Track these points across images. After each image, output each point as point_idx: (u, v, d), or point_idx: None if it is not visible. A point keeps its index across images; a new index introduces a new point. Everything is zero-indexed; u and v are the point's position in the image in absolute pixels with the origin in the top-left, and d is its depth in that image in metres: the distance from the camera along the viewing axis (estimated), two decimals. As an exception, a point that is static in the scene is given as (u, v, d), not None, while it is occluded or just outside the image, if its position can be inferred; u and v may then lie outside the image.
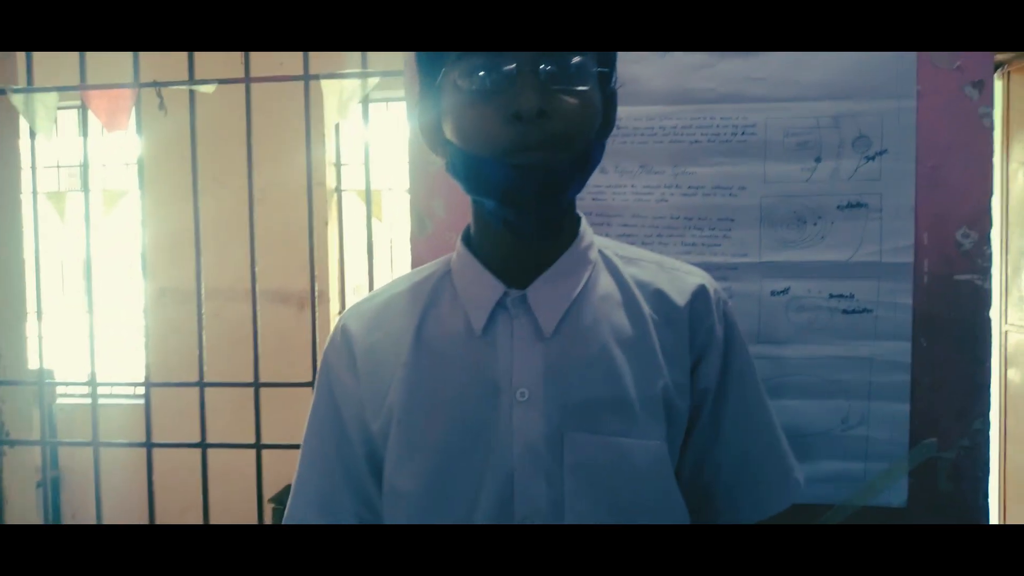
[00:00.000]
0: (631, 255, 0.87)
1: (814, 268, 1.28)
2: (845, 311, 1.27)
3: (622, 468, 0.76)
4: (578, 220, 0.84)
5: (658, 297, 0.82)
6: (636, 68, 1.30)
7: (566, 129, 0.71)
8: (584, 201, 1.33)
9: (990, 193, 1.22)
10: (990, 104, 1.21)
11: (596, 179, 1.33)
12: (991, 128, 1.21)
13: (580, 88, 0.72)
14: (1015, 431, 2.61)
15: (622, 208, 1.32)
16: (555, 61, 0.71)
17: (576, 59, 0.72)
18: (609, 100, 0.80)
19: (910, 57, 1.24)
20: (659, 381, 0.79)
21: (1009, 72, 2.54)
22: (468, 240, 0.84)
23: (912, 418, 1.25)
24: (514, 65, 0.70)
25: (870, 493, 1.26)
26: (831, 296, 1.28)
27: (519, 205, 0.73)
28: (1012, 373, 2.61)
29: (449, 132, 0.75)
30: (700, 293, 0.83)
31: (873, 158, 1.26)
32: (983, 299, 1.23)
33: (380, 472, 0.81)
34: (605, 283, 0.82)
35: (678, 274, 0.85)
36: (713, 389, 0.83)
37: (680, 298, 0.82)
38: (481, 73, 0.70)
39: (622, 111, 1.32)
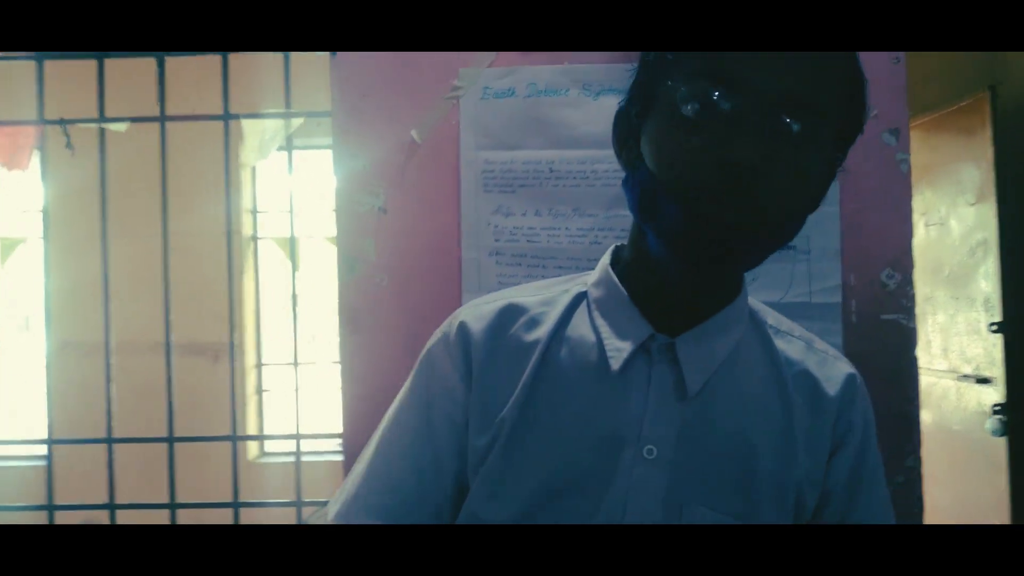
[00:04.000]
0: (780, 324, 0.78)
1: (746, 309, 1.28)
2: (778, 352, 1.28)
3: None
4: (741, 276, 0.74)
5: (806, 381, 0.74)
6: (568, 112, 1.31)
7: (770, 196, 0.60)
8: (519, 243, 1.31)
9: (910, 235, 1.26)
10: (907, 151, 1.26)
11: (531, 222, 1.31)
12: (908, 173, 1.26)
13: (806, 157, 0.61)
14: (930, 471, 2.69)
15: (557, 251, 1.31)
16: (790, 116, 0.59)
17: (816, 125, 0.61)
18: (832, 178, 0.70)
19: (831, 104, 1.28)
20: (795, 471, 0.71)
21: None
22: (617, 265, 0.74)
23: (846, 457, 1.26)
24: (741, 105, 0.59)
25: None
26: (764, 337, 1.28)
27: (686, 256, 0.63)
28: (924, 415, 2.71)
29: (645, 147, 0.66)
30: (849, 384, 0.75)
31: (799, 201, 1.28)
32: (909, 338, 1.26)
33: (462, 497, 0.73)
34: (753, 351, 0.74)
35: (827, 358, 0.76)
36: (843, 483, 0.75)
37: (830, 387, 0.74)
38: (701, 100, 0.60)
39: (556, 155, 1.33)
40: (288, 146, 1.57)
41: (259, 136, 1.52)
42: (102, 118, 1.55)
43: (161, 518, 1.52)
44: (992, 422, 2.32)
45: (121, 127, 1.55)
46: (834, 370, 0.75)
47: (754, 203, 0.59)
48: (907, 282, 1.26)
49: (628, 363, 0.70)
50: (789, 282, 1.28)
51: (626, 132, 0.71)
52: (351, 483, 0.76)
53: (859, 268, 1.27)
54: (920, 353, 1.26)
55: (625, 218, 1.30)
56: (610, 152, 1.29)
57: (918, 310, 1.27)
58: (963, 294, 2.46)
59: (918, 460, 1.25)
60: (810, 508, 0.73)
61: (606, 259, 0.76)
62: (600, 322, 0.72)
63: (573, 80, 1.31)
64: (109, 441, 1.57)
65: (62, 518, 1.60)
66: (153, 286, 1.61)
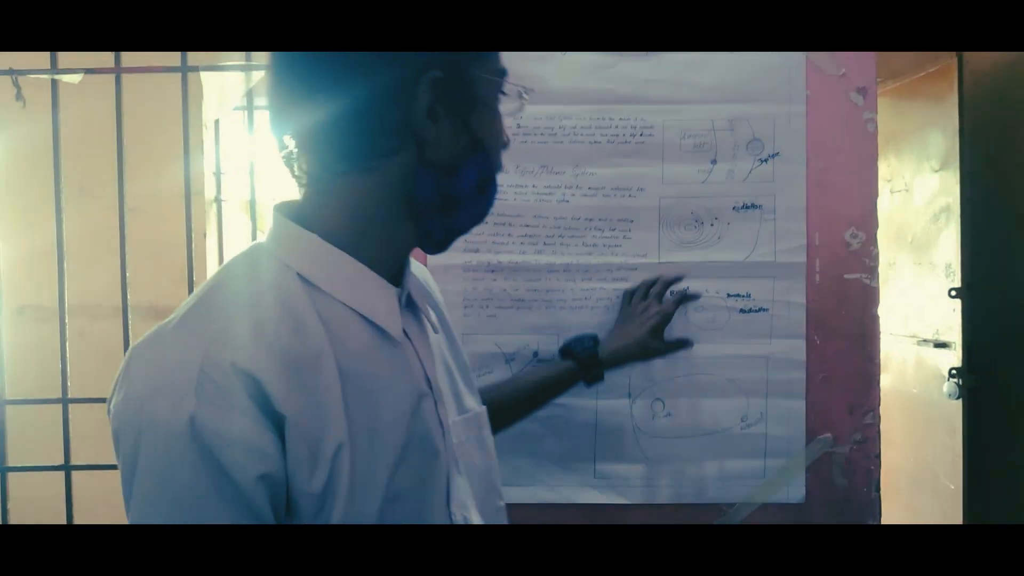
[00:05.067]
0: None
1: (712, 268, 1.29)
2: (742, 310, 1.29)
3: (472, 436, 0.81)
4: None
5: (427, 280, 0.90)
6: (537, 67, 1.28)
7: None
8: (484, 200, 1.30)
9: (875, 195, 1.26)
10: (874, 110, 1.26)
11: (499, 178, 1.29)
12: (875, 133, 1.26)
13: None
14: (887, 434, 2.75)
15: (523, 208, 1.30)
16: None
17: None
18: None
19: (799, 62, 1.28)
20: (460, 349, 0.88)
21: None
22: (332, 239, 0.68)
23: (807, 414, 1.27)
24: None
25: (770, 490, 1.27)
26: (729, 296, 1.29)
27: (476, 221, 0.75)
28: (885, 378, 2.76)
29: (478, 133, 0.71)
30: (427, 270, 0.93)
31: (766, 160, 1.28)
32: (871, 297, 1.27)
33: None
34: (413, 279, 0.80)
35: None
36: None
37: (424, 274, 0.90)
38: (499, 91, 0.73)
39: (524, 110, 1.31)
40: (249, 104, 1.53)
41: (218, 90, 1.47)
42: (54, 69, 1.50)
43: (115, 478, 1.50)
44: (949, 386, 2.37)
45: (75, 79, 1.49)
46: (419, 267, 0.88)
47: None
48: (871, 242, 1.27)
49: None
50: (755, 241, 1.29)
51: (439, 102, 0.67)
52: None
53: (824, 227, 1.27)
54: (882, 318, 1.28)
55: (592, 176, 1.29)
56: (577, 108, 1.29)
57: (881, 276, 1.28)
58: (925, 260, 2.49)
59: (876, 418, 1.27)
60: None
61: (298, 235, 0.68)
62: (350, 299, 0.67)
63: (541, 34, 1.29)
64: (64, 401, 1.53)
65: (15, 479, 1.57)
66: (110, 249, 1.56)
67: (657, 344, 1.23)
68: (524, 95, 0.74)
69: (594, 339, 1.23)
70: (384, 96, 0.65)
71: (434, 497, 0.70)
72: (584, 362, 1.18)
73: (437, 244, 0.74)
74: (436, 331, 0.79)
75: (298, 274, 0.66)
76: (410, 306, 0.76)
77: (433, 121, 0.67)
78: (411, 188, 0.68)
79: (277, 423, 0.59)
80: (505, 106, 0.73)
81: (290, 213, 0.69)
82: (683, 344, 1.27)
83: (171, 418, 0.56)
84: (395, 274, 0.73)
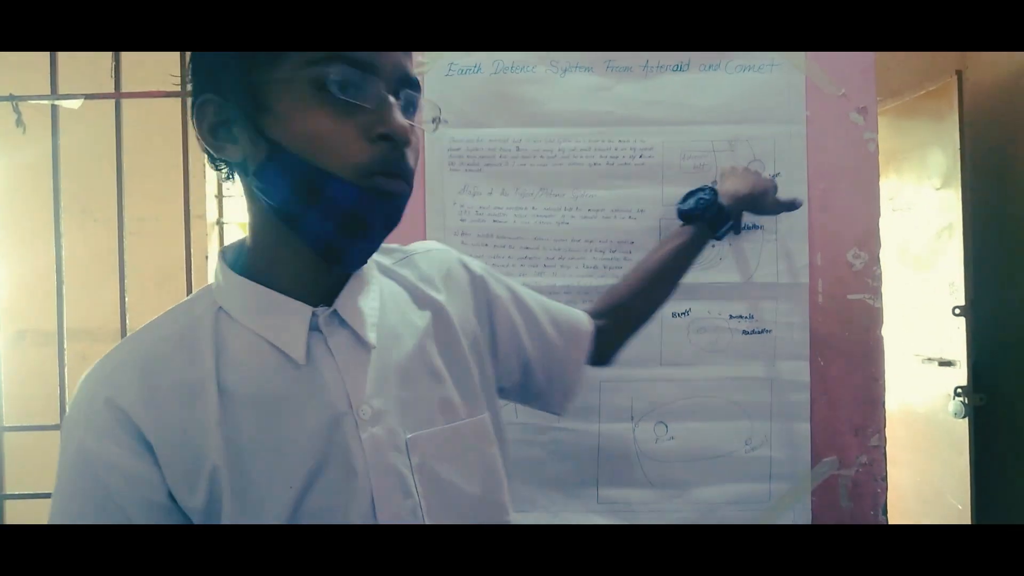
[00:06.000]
0: (388, 260, 0.84)
1: (714, 289, 1.28)
2: (745, 332, 1.28)
3: (456, 451, 0.76)
4: None
5: (426, 284, 0.82)
6: (534, 89, 1.28)
7: (414, 163, 0.69)
8: (485, 223, 1.29)
9: (878, 214, 1.26)
10: (874, 130, 1.26)
11: (498, 201, 1.29)
12: (876, 152, 1.26)
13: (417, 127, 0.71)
14: (893, 453, 2.73)
15: (523, 230, 1.29)
16: (414, 89, 0.70)
17: (417, 97, 0.71)
18: None
19: (798, 83, 1.28)
20: (465, 354, 0.80)
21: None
22: (238, 267, 0.73)
23: (812, 437, 1.26)
24: (382, 86, 0.66)
25: (775, 513, 1.26)
26: (731, 317, 1.28)
27: (362, 232, 0.67)
28: (889, 397, 2.74)
29: (282, 135, 0.65)
30: (460, 268, 0.86)
31: (767, 181, 1.28)
32: (875, 317, 1.26)
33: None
34: (389, 286, 0.80)
35: (425, 256, 0.86)
36: (519, 333, 0.88)
37: (447, 277, 0.84)
38: (347, 83, 0.64)
39: (522, 132, 1.31)
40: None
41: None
42: (55, 94, 1.50)
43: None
44: (954, 404, 2.35)
45: (75, 104, 1.49)
46: (437, 262, 0.85)
47: (408, 172, 0.68)
48: (874, 262, 1.26)
49: (309, 346, 0.71)
50: (757, 262, 1.28)
51: (219, 122, 0.68)
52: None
53: (826, 248, 1.27)
54: (886, 336, 1.27)
55: (592, 198, 1.29)
56: (576, 130, 1.29)
57: (884, 293, 1.27)
58: (928, 277, 2.48)
59: (882, 439, 1.26)
60: (517, 371, 0.89)
61: (220, 269, 0.74)
62: (253, 323, 0.71)
63: (540, 57, 1.29)
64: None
65: (12, 507, 1.56)
66: (115, 272, 1.56)
67: (772, 196, 1.20)
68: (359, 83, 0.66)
69: (709, 190, 1.17)
70: (197, 121, 0.68)
71: (357, 518, 0.69)
72: (707, 214, 1.13)
73: (337, 261, 0.70)
74: (371, 346, 0.73)
75: (220, 307, 0.72)
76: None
77: (223, 140, 0.68)
78: (263, 205, 0.70)
79: (149, 449, 0.65)
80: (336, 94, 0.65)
81: (227, 253, 0.76)
82: (793, 205, 1.22)
83: (67, 444, 0.66)
84: (321, 294, 0.72)
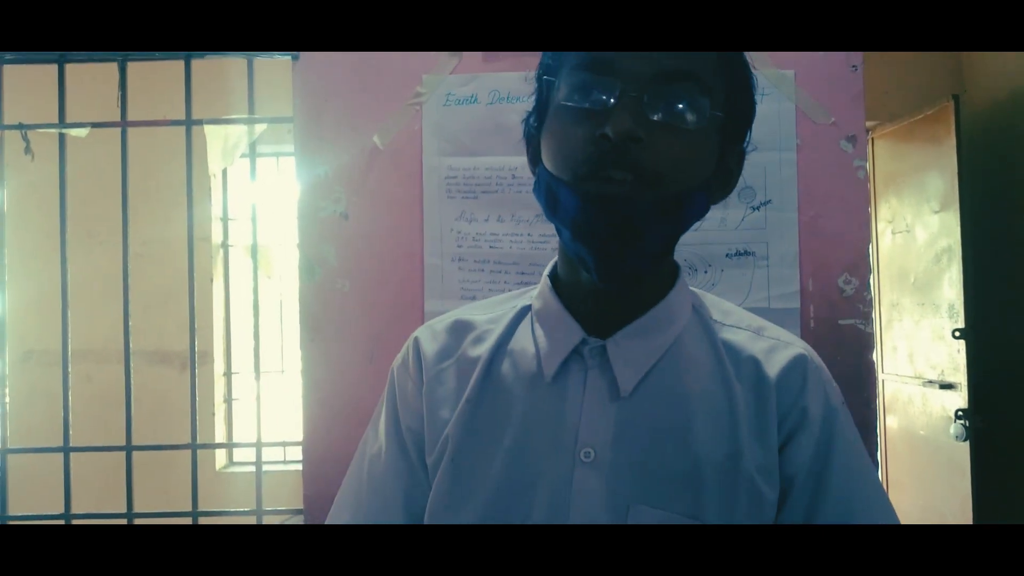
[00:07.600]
0: (726, 318, 0.76)
1: (707, 315, 1.29)
2: (738, 357, 1.29)
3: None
4: (676, 271, 0.74)
5: (749, 368, 0.71)
6: (530, 118, 1.31)
7: (656, 164, 0.61)
8: (481, 249, 1.31)
9: (868, 240, 1.27)
10: (864, 157, 1.28)
11: (493, 227, 1.31)
12: (865, 180, 1.28)
13: (690, 127, 0.63)
14: (895, 477, 2.72)
15: (520, 256, 1.31)
16: (666, 91, 0.63)
17: (693, 95, 0.64)
18: (735, 158, 0.71)
19: (789, 111, 1.30)
20: (743, 462, 0.68)
21: (873, 138, 2.72)
22: (554, 276, 0.75)
23: (805, 461, 1.27)
24: (618, 86, 0.62)
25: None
26: (724, 342, 1.29)
27: (591, 241, 0.64)
28: (890, 420, 2.74)
29: (542, 149, 0.68)
30: (795, 366, 0.71)
31: (758, 208, 1.30)
32: (866, 343, 1.27)
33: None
34: (695, 345, 0.72)
35: (777, 344, 0.73)
36: (804, 473, 0.69)
37: (771, 370, 0.70)
38: (580, 89, 0.64)
39: (518, 160, 1.33)
40: (251, 152, 1.56)
41: (222, 142, 1.50)
42: (62, 123, 1.54)
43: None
44: (956, 427, 2.34)
45: (82, 132, 1.53)
46: (779, 354, 0.72)
47: (641, 174, 0.61)
48: (864, 287, 1.27)
49: (562, 370, 0.70)
50: (749, 287, 1.29)
51: (527, 141, 0.74)
52: (340, 502, 0.79)
53: (817, 273, 1.28)
54: (886, 359, 1.28)
55: (587, 224, 1.31)
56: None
57: (884, 317, 1.28)
58: (928, 300, 2.49)
59: (876, 463, 1.26)
60: (770, 500, 0.68)
61: (547, 270, 0.77)
62: (538, 332, 0.73)
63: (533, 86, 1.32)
64: (65, 450, 1.54)
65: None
66: (120, 294, 1.58)
67: None
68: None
69: None
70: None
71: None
72: None
73: (591, 273, 0.67)
74: (621, 395, 0.69)
75: (529, 306, 0.76)
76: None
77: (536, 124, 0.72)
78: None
79: (420, 386, 0.75)
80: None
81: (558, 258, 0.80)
82: None
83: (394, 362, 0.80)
84: (611, 319, 0.70)
